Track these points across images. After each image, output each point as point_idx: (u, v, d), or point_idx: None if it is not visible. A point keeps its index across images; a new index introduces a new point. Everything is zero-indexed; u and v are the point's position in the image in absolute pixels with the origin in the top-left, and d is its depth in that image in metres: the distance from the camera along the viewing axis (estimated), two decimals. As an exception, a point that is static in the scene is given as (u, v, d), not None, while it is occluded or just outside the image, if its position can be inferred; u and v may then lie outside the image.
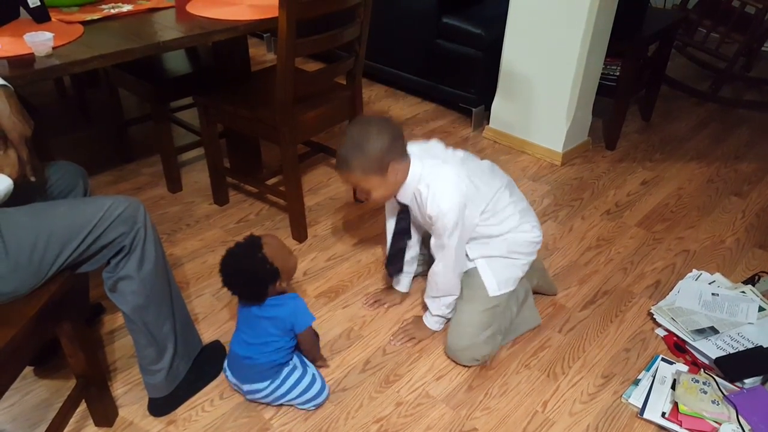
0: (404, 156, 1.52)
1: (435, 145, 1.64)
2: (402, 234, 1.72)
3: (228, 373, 1.53)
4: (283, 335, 1.46)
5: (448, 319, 1.74)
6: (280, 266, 1.43)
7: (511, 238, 1.65)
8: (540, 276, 1.86)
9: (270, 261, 1.42)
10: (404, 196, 1.58)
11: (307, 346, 1.54)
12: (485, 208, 1.60)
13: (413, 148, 1.59)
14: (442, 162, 1.55)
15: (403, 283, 1.86)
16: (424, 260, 1.91)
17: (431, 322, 1.74)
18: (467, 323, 1.62)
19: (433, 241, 1.61)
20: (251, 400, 1.53)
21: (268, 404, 1.53)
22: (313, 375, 1.52)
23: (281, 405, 1.52)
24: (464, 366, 1.66)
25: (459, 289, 1.67)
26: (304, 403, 1.51)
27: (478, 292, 1.65)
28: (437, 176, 1.52)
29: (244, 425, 1.48)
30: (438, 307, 1.70)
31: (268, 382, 1.47)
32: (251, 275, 1.42)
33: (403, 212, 1.67)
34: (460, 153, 1.65)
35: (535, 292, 1.85)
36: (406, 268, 1.82)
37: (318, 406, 1.52)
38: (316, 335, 1.66)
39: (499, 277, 1.66)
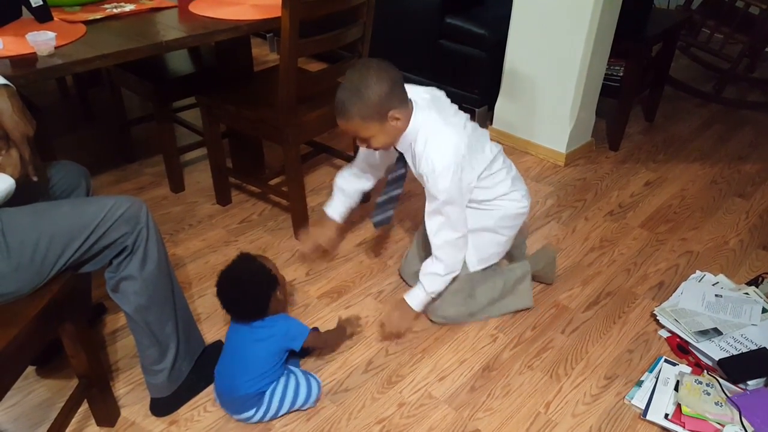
0: (405, 102, 1.46)
1: (442, 99, 1.59)
2: (398, 181, 1.66)
3: (218, 401, 1.50)
4: (272, 357, 1.43)
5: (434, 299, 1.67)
6: (279, 277, 1.46)
7: (501, 207, 1.63)
8: (548, 263, 1.87)
9: (268, 268, 1.43)
10: (403, 145, 1.53)
11: (320, 349, 1.54)
12: (482, 172, 1.57)
13: (422, 94, 1.53)
14: (444, 121, 1.50)
15: (339, 209, 1.79)
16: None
17: (418, 301, 1.62)
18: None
19: (427, 207, 1.54)
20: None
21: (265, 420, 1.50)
22: (296, 381, 1.48)
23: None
24: (433, 322, 1.68)
25: (461, 265, 1.60)
26: (299, 409, 1.50)
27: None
28: (437, 133, 1.46)
29: (246, 426, 1.48)
30: (436, 282, 1.60)
31: (253, 410, 1.44)
32: (253, 284, 1.41)
33: (401, 160, 1.61)
34: (462, 114, 1.60)
35: (532, 278, 1.87)
36: (350, 195, 1.76)
37: (314, 405, 1.52)
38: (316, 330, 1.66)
39: (481, 254, 1.66)
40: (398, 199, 1.71)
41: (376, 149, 1.52)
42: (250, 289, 1.42)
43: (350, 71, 1.44)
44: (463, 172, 1.50)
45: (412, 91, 1.53)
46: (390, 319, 1.67)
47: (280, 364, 1.46)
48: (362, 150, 1.69)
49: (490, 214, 1.66)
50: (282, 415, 1.49)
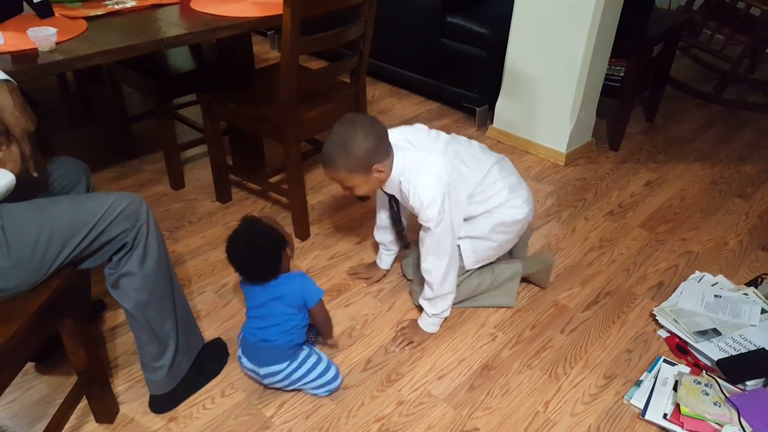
0: (388, 154, 1.55)
1: (419, 131, 1.66)
2: (396, 219, 1.80)
3: (243, 360, 1.52)
4: (296, 312, 1.47)
5: (445, 318, 1.74)
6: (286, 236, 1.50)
7: (497, 214, 1.68)
8: (543, 269, 1.88)
9: (275, 227, 1.48)
10: (390, 188, 1.63)
11: (320, 319, 1.56)
12: (473, 192, 1.64)
13: (395, 136, 1.61)
14: (424, 153, 1.57)
15: (385, 261, 1.94)
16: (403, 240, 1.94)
17: (427, 324, 1.72)
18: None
19: (420, 233, 1.62)
20: (267, 385, 1.54)
21: (282, 389, 1.53)
22: (328, 362, 1.54)
23: (295, 389, 1.54)
24: (416, 306, 1.78)
25: (455, 287, 1.66)
26: (318, 388, 1.52)
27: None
28: (419, 169, 1.54)
29: (245, 423, 1.48)
30: (434, 306, 1.69)
31: (286, 363, 1.47)
32: (264, 244, 1.43)
33: (393, 200, 1.73)
34: (444, 137, 1.67)
35: (525, 280, 1.90)
36: (388, 247, 1.91)
37: (331, 392, 1.54)
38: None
39: (478, 256, 1.75)
40: (404, 230, 1.86)
41: (358, 196, 1.61)
42: (263, 250, 1.44)
43: (338, 125, 1.52)
44: (450, 197, 1.56)
45: (391, 133, 1.62)
46: (410, 334, 1.73)
47: (305, 321, 1.50)
48: (377, 204, 1.87)
49: (484, 223, 1.70)
50: (304, 385, 1.52)
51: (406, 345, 1.71)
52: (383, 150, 1.52)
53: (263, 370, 1.48)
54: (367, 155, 1.48)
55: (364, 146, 1.47)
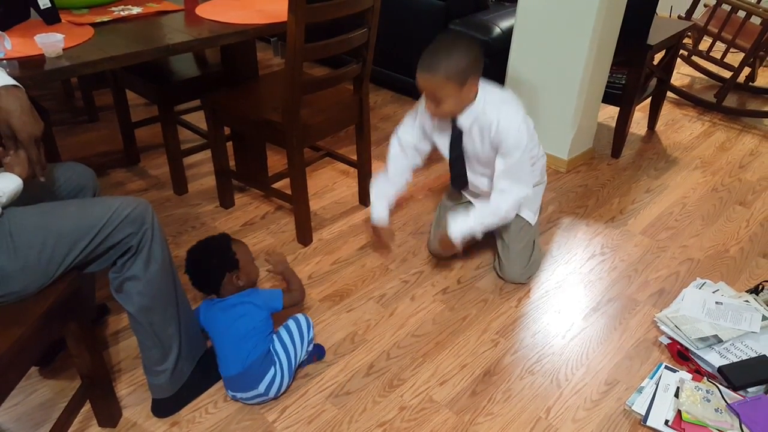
0: (479, 77, 1.62)
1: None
2: (458, 160, 1.83)
3: (238, 395, 1.52)
4: (260, 322, 1.51)
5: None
6: (242, 262, 1.54)
7: (540, 161, 1.86)
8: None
9: (233, 251, 1.53)
10: (467, 117, 1.68)
11: (296, 302, 1.63)
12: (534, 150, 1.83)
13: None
14: (503, 92, 1.70)
15: (384, 215, 1.95)
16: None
17: (460, 229, 1.78)
18: (517, 254, 1.86)
19: (498, 164, 1.69)
20: (278, 396, 1.55)
21: (288, 385, 1.56)
22: (287, 327, 1.56)
23: (297, 391, 1.57)
24: (521, 283, 1.94)
25: (509, 217, 1.80)
26: (308, 340, 1.57)
27: (523, 228, 1.89)
28: (501, 102, 1.65)
29: (248, 427, 1.48)
30: (481, 220, 1.76)
31: (272, 368, 1.49)
32: (212, 257, 1.51)
33: (455, 142, 1.77)
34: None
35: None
36: (389, 200, 1.94)
37: (312, 342, 1.60)
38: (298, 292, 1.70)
39: (533, 207, 1.94)
40: (465, 172, 1.91)
41: (441, 115, 1.66)
42: (208, 263, 1.53)
43: (443, 35, 1.59)
44: (529, 130, 1.69)
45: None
46: (435, 242, 1.87)
47: (269, 329, 1.54)
48: (414, 131, 1.88)
49: (535, 169, 1.87)
50: (301, 359, 1.56)
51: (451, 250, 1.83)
52: (479, 68, 1.58)
53: (262, 387, 1.48)
54: (467, 66, 1.53)
55: (466, 57, 1.53)
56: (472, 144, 1.76)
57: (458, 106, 1.65)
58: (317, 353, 1.66)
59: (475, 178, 1.91)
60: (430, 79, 1.56)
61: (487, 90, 1.68)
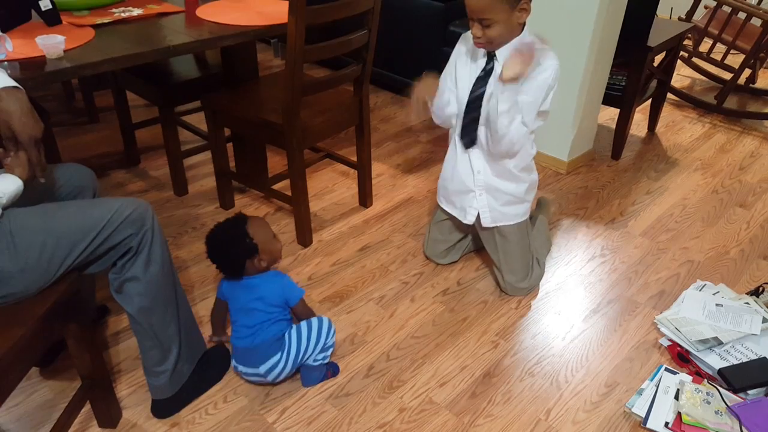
0: (529, 12, 1.58)
1: None
2: (477, 102, 1.72)
3: (240, 368, 1.54)
4: (278, 310, 1.52)
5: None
6: (261, 244, 1.51)
7: (532, 137, 1.80)
8: (549, 205, 2.18)
9: (250, 236, 1.50)
10: (507, 50, 1.63)
11: (304, 317, 1.59)
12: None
13: None
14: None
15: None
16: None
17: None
18: (514, 261, 1.85)
19: (501, 105, 1.60)
20: (275, 382, 1.56)
21: (291, 377, 1.57)
22: (308, 322, 1.56)
23: (299, 394, 1.57)
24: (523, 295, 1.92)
25: (510, 144, 1.69)
26: (321, 353, 1.56)
27: (513, 230, 1.86)
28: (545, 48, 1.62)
29: (247, 428, 1.48)
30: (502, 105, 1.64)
31: (279, 354, 1.50)
32: (229, 247, 1.50)
33: (482, 79, 1.69)
34: None
35: None
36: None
37: (333, 335, 1.59)
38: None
39: (514, 207, 1.86)
40: (477, 120, 1.76)
41: (486, 41, 1.58)
42: (226, 254, 1.52)
43: None
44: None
45: None
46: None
47: (286, 315, 1.55)
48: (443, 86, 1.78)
49: (531, 137, 1.80)
50: (309, 357, 1.54)
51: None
52: None
53: (262, 368, 1.50)
54: None
55: None
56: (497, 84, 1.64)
57: (505, 34, 1.59)
58: (332, 369, 1.64)
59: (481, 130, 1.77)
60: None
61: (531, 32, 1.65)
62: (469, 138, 1.78)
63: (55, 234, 1.17)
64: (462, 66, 1.76)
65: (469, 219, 1.90)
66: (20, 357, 1.12)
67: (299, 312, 1.58)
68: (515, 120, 1.64)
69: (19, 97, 1.15)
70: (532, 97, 1.64)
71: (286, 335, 1.53)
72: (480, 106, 1.71)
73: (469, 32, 1.66)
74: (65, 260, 1.19)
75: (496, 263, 1.93)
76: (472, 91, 1.72)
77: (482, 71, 1.70)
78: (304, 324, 1.56)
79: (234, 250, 1.50)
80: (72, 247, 1.19)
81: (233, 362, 1.56)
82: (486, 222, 1.87)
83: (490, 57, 1.68)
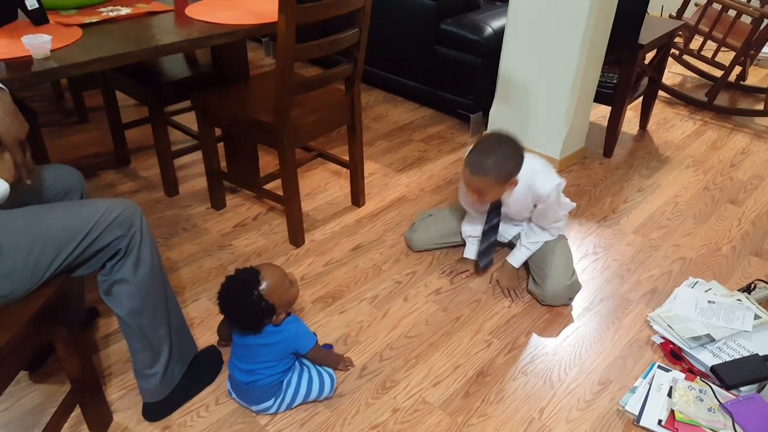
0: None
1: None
2: (493, 230, 1.93)
3: (233, 395, 1.53)
4: (282, 358, 1.47)
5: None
6: (277, 301, 1.41)
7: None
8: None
9: (266, 298, 1.39)
10: (506, 195, 1.82)
11: (318, 362, 1.55)
12: None
13: None
14: (526, 159, 1.78)
15: (472, 250, 2.04)
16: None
17: (520, 260, 1.95)
18: (561, 267, 1.87)
19: (538, 214, 1.87)
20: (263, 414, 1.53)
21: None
22: (309, 375, 1.52)
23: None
24: (564, 305, 1.91)
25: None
26: (314, 399, 1.53)
27: (558, 243, 1.94)
28: (532, 172, 1.77)
29: (240, 431, 1.47)
30: (536, 245, 1.93)
31: (272, 399, 1.48)
32: (246, 312, 1.40)
33: (493, 212, 1.90)
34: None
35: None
36: (474, 238, 2.04)
37: (331, 394, 1.55)
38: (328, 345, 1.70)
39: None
40: (495, 244, 2.00)
41: (482, 204, 1.82)
42: (244, 321, 1.43)
43: (489, 137, 1.73)
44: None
45: None
46: (502, 278, 1.97)
47: (291, 359, 1.50)
48: (467, 205, 2.02)
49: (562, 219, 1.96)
50: (295, 407, 1.53)
51: (513, 294, 1.94)
52: (522, 164, 1.72)
53: (254, 408, 1.49)
54: (512, 173, 1.69)
55: (513, 161, 1.68)
56: (507, 209, 1.90)
57: (500, 195, 1.78)
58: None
59: (505, 229, 2.04)
60: (479, 180, 1.67)
61: (526, 166, 1.76)
62: (487, 260, 1.99)
63: (42, 236, 1.15)
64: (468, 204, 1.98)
65: (503, 239, 2.08)
66: (8, 361, 1.11)
67: (311, 359, 1.52)
68: (547, 235, 1.92)
69: (2, 98, 1.13)
70: (551, 217, 1.87)
71: (285, 382, 1.49)
72: (496, 232, 1.95)
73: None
74: (53, 263, 1.17)
75: (536, 271, 1.92)
76: (488, 220, 1.92)
77: (486, 224, 1.93)
78: (305, 378, 1.51)
79: (253, 315, 1.40)
80: (59, 249, 1.17)
81: (228, 385, 1.54)
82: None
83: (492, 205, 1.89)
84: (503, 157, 1.66)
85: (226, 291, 1.42)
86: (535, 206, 1.85)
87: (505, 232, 2.04)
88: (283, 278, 1.45)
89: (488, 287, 1.97)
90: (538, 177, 1.78)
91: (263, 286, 1.39)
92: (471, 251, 2.04)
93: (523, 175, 1.74)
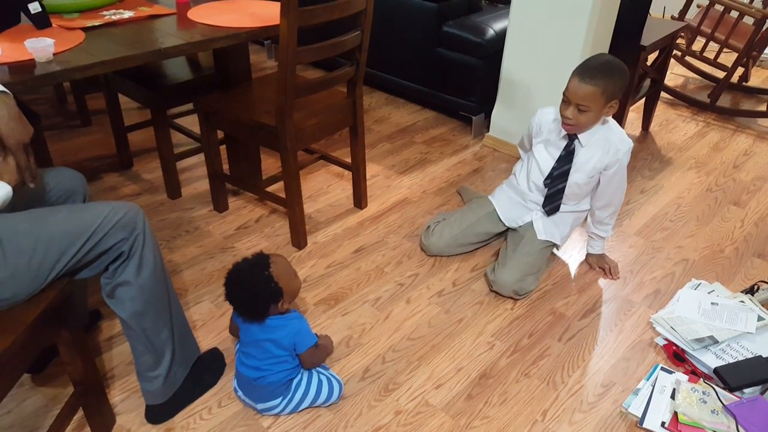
0: (617, 106, 1.75)
1: None
2: (563, 177, 1.90)
3: (240, 393, 1.52)
4: (288, 354, 1.47)
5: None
6: (285, 287, 1.44)
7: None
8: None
9: (275, 280, 1.42)
10: (588, 135, 1.82)
11: (306, 365, 1.54)
12: None
13: None
14: (613, 123, 1.85)
15: (598, 245, 2.08)
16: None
17: (599, 247, 2.05)
18: (519, 265, 1.89)
19: (608, 177, 1.87)
20: (266, 414, 1.53)
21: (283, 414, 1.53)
22: (319, 379, 1.52)
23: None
24: (508, 297, 1.92)
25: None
26: (321, 404, 1.53)
27: (544, 249, 1.97)
28: (615, 127, 1.82)
29: (242, 433, 1.48)
30: (607, 231, 2.01)
31: (280, 398, 1.48)
32: (254, 292, 1.42)
33: (565, 157, 1.88)
34: None
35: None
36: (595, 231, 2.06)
37: (338, 399, 1.55)
38: (329, 340, 1.70)
39: (564, 231, 2.02)
40: (563, 191, 1.96)
41: (576, 123, 1.76)
42: (252, 300, 1.44)
43: (609, 57, 1.72)
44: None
45: None
46: (598, 261, 2.07)
47: (296, 359, 1.50)
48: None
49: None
50: (301, 410, 1.52)
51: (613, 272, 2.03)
52: (621, 94, 1.72)
53: (260, 406, 1.49)
54: (620, 88, 1.69)
55: (621, 80, 1.69)
56: (579, 162, 1.87)
57: (591, 123, 1.78)
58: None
59: (519, 214, 2.04)
60: (587, 87, 1.67)
61: (604, 120, 1.82)
62: (552, 206, 1.97)
63: (45, 239, 1.16)
64: (546, 142, 1.94)
65: (513, 225, 2.06)
66: (11, 364, 1.11)
67: (304, 359, 1.51)
68: (608, 230, 2.02)
69: (7, 101, 1.14)
70: (612, 192, 1.90)
71: (295, 382, 1.49)
72: (566, 180, 1.90)
73: (546, 109, 1.94)
74: (55, 266, 1.17)
75: (501, 258, 1.96)
76: (555, 168, 1.90)
77: (564, 150, 1.88)
78: (315, 381, 1.51)
79: (261, 295, 1.42)
80: (62, 252, 1.17)
81: (234, 383, 1.54)
82: (540, 235, 1.98)
83: (571, 139, 1.86)
84: (614, 71, 1.68)
85: (236, 272, 1.45)
86: (602, 173, 1.86)
87: (518, 217, 2.04)
88: (289, 266, 1.50)
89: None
90: (617, 131, 1.82)
91: (273, 268, 1.44)
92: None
93: (600, 128, 1.79)
